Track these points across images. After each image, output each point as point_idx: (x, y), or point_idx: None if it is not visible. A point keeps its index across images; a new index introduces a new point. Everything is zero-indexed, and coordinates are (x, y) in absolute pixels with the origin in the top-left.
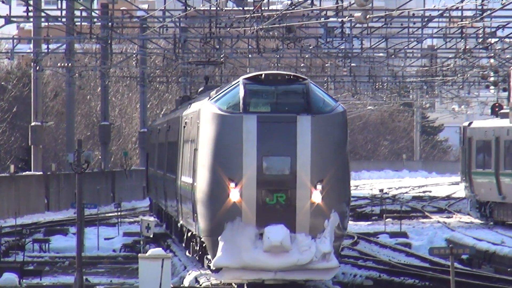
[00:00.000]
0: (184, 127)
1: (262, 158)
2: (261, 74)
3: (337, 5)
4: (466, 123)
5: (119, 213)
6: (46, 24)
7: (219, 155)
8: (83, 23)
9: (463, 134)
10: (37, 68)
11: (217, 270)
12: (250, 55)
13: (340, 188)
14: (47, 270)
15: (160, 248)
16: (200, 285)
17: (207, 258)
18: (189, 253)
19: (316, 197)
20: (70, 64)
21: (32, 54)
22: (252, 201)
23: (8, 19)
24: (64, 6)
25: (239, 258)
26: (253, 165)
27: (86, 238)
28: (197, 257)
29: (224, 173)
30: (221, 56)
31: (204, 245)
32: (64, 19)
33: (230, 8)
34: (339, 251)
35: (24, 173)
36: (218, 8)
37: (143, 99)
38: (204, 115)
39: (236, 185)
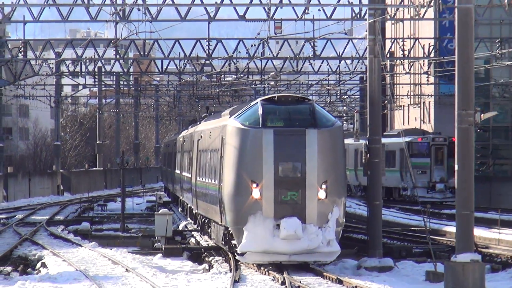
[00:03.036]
0: (199, 140)
1: (278, 164)
2: (275, 96)
3: (261, 78)
4: None
5: (144, 190)
6: (105, 88)
7: (243, 161)
8: (124, 88)
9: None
10: (100, 112)
11: (242, 254)
12: (214, 105)
13: (340, 187)
14: (105, 221)
15: (166, 209)
16: (187, 227)
17: (231, 242)
18: (203, 234)
19: (322, 194)
20: (117, 110)
21: (97, 105)
22: (271, 198)
23: (84, 86)
24: (114, 79)
25: (260, 245)
26: (271, 169)
27: (126, 204)
28: (223, 242)
29: (248, 176)
30: (199, 106)
31: (229, 232)
32: (114, 85)
33: (204, 79)
34: (339, 237)
35: (92, 169)
36: (197, 80)
37: (157, 129)
38: (230, 129)
39: (257, 185)
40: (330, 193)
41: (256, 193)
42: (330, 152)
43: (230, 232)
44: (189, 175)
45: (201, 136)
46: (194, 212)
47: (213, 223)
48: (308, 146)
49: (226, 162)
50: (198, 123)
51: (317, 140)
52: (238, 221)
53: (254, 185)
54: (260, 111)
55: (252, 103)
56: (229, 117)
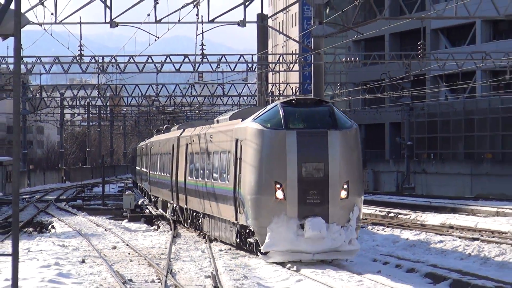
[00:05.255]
0: (189, 144)
1: (302, 165)
2: (294, 99)
3: (190, 108)
4: None
5: (116, 180)
6: (91, 115)
7: (266, 162)
8: (104, 115)
9: None
10: (88, 130)
11: (265, 253)
12: (163, 131)
13: (359, 186)
14: (92, 199)
15: (131, 191)
16: (144, 203)
17: (248, 240)
18: (191, 226)
19: (344, 194)
20: (100, 129)
21: (86, 126)
22: (294, 199)
23: (78, 114)
24: (97, 109)
25: (284, 244)
26: (295, 170)
27: (105, 188)
28: (237, 240)
29: (271, 177)
30: (151, 126)
31: (247, 231)
32: (97, 114)
33: (154, 110)
34: (357, 235)
35: (84, 166)
36: (150, 110)
37: (124, 140)
38: (251, 131)
39: (281, 186)
40: (351, 192)
41: (279, 194)
42: (350, 153)
43: (247, 231)
44: (168, 175)
45: (193, 140)
46: (174, 205)
47: (207, 217)
48: (330, 147)
49: (246, 164)
50: (162, 132)
51: (338, 141)
52: (262, 221)
53: (278, 185)
54: (281, 113)
55: (269, 107)
56: (241, 120)
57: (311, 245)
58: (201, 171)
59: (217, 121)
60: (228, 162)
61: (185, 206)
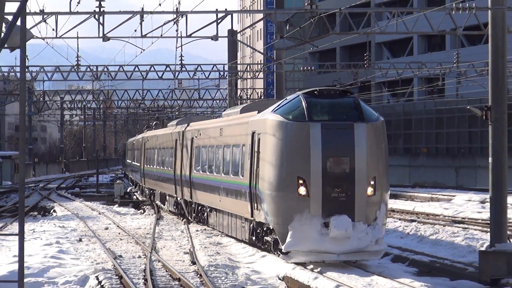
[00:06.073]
0: (195, 137)
1: (327, 159)
2: (316, 90)
3: (171, 110)
4: None
5: (108, 171)
6: (87, 116)
7: (288, 156)
8: (97, 116)
9: None
10: (85, 129)
11: (286, 253)
12: (153, 127)
13: (386, 182)
14: (88, 187)
15: (121, 180)
16: (131, 191)
17: (265, 239)
18: (196, 220)
19: (370, 191)
20: (94, 128)
21: (83, 125)
22: (318, 195)
23: (76, 115)
24: (92, 111)
25: (307, 244)
26: (319, 164)
27: (99, 178)
28: (253, 237)
29: (294, 172)
30: (138, 125)
31: (264, 229)
32: (92, 115)
33: (140, 111)
34: (383, 234)
35: (81, 159)
36: (137, 111)
37: (115, 137)
38: (271, 123)
39: (304, 182)
40: (378, 189)
41: (302, 190)
42: (377, 147)
43: (265, 228)
44: (169, 169)
45: (199, 134)
46: (178, 199)
47: (214, 211)
48: (356, 141)
49: (266, 158)
50: (153, 128)
51: (365, 134)
52: (282, 219)
53: (301, 181)
54: (304, 104)
55: (289, 98)
56: (257, 112)
57: (336, 245)
58: (210, 165)
59: (226, 115)
60: (243, 156)
61: (190, 199)
